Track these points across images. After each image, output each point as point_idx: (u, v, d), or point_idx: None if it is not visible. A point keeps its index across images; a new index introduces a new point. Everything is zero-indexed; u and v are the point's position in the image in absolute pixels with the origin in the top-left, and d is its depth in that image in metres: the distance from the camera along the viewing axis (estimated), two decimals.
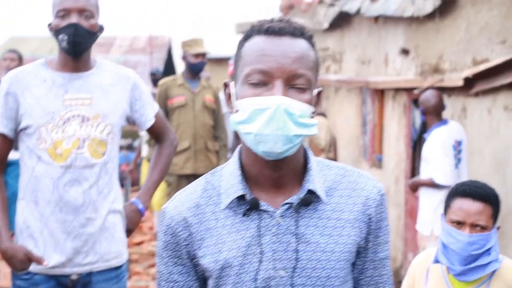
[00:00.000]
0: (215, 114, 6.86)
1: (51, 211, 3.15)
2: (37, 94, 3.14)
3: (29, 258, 3.11)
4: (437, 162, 5.70)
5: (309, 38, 1.72)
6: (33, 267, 3.15)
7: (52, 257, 3.16)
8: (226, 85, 1.77)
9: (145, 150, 8.37)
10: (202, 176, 1.82)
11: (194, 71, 6.79)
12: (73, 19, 3.11)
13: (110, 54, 22.74)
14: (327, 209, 1.73)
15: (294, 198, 1.70)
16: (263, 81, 1.64)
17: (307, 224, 1.71)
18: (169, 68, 22.96)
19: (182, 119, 6.69)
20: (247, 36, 1.72)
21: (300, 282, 1.69)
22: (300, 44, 1.68)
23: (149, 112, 3.42)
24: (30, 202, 3.16)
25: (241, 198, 1.72)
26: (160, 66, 21.24)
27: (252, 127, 1.62)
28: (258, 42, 1.67)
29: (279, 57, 1.64)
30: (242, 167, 1.75)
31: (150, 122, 3.43)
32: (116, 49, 23.32)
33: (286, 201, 1.70)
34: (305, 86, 1.66)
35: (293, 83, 1.64)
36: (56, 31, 3.15)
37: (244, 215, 1.70)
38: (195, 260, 1.74)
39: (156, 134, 3.52)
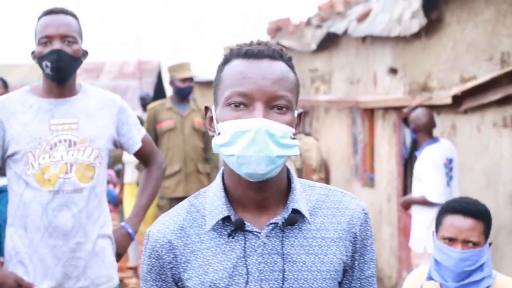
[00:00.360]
0: (206, 136, 6.88)
1: (41, 237, 3.14)
2: (23, 120, 3.14)
3: (20, 285, 3.10)
4: (429, 180, 5.71)
5: (288, 60, 1.74)
6: None
7: (42, 283, 3.15)
8: (207, 109, 1.78)
9: (128, 175, 8.28)
10: (185, 199, 1.82)
11: (182, 95, 6.81)
12: (56, 45, 3.11)
13: (100, 80, 22.76)
14: (312, 229, 1.74)
15: (279, 218, 1.71)
16: (243, 104, 1.65)
17: (292, 244, 1.71)
18: (159, 93, 22.98)
19: (171, 143, 6.70)
20: (226, 60, 1.73)
21: None
22: (279, 66, 1.70)
23: (136, 136, 3.42)
24: (19, 228, 3.15)
25: (225, 219, 1.72)
26: (150, 90, 21.25)
27: (233, 149, 1.63)
28: (237, 65, 1.68)
29: (259, 79, 1.65)
30: (226, 189, 1.75)
31: (137, 145, 3.44)
32: (106, 74, 23.34)
33: (271, 221, 1.71)
34: (285, 108, 1.67)
35: (273, 104, 1.66)
36: (39, 58, 3.15)
37: (229, 236, 1.70)
38: (180, 283, 1.73)
39: (144, 158, 3.53)
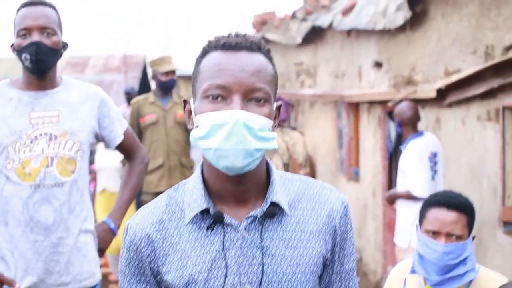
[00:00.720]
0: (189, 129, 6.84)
1: (22, 232, 3.10)
2: (2, 113, 3.10)
3: (1, 281, 3.06)
4: (414, 174, 5.71)
5: (266, 53, 1.72)
6: None
7: (24, 278, 3.12)
8: (185, 102, 1.76)
9: (101, 183, 8.03)
10: (164, 192, 1.80)
11: (165, 89, 6.80)
12: (35, 37, 3.08)
13: (85, 74, 22.66)
14: (291, 222, 1.72)
15: (258, 211, 1.69)
16: (221, 96, 1.63)
17: (271, 237, 1.70)
18: (144, 87, 22.91)
19: (154, 137, 6.69)
20: (204, 52, 1.71)
21: None
22: (257, 58, 1.68)
23: (117, 129, 3.39)
24: (1, 224, 3.12)
25: (204, 212, 1.70)
26: (135, 84, 21.20)
27: (211, 142, 1.61)
28: (215, 57, 1.67)
29: (237, 71, 1.63)
30: (205, 182, 1.74)
31: (119, 138, 3.40)
32: (91, 68, 23.25)
33: (250, 214, 1.69)
34: (263, 100, 1.65)
35: (251, 96, 1.64)
36: (19, 51, 3.11)
37: (208, 229, 1.69)
38: (159, 277, 1.72)
39: (126, 151, 3.50)
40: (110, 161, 7.28)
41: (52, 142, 3.15)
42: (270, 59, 1.73)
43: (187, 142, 6.82)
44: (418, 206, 5.60)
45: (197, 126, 1.67)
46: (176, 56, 7.16)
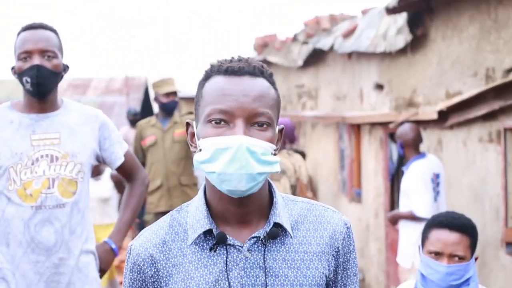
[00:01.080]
0: (187, 147, 6.88)
1: (23, 253, 3.12)
2: (3, 136, 3.12)
3: None
4: (417, 195, 5.72)
5: (269, 77, 1.74)
6: None
7: None
8: (188, 124, 1.78)
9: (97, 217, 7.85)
10: (168, 213, 1.82)
11: (166, 110, 6.83)
12: (35, 60, 3.10)
13: (86, 96, 22.72)
14: (294, 243, 1.75)
15: (261, 232, 1.71)
16: (224, 120, 1.66)
17: (274, 258, 1.72)
18: (146, 109, 22.96)
19: (154, 158, 6.74)
20: (207, 76, 1.73)
21: None
22: (260, 83, 1.70)
23: (118, 151, 3.41)
24: (1, 245, 3.13)
25: (207, 233, 1.73)
26: (137, 106, 21.24)
27: (214, 166, 1.64)
28: (218, 81, 1.69)
29: (239, 96, 1.65)
30: (208, 203, 1.76)
31: (120, 160, 3.42)
32: (92, 90, 23.31)
33: (253, 235, 1.72)
34: (266, 124, 1.67)
35: (254, 121, 1.66)
36: (19, 74, 3.14)
37: (211, 250, 1.71)
38: None
39: (127, 173, 3.53)
40: (93, 193, 7.15)
41: (54, 164, 3.18)
42: (273, 83, 1.75)
43: (188, 160, 6.83)
44: (421, 227, 5.61)
45: (200, 150, 1.69)
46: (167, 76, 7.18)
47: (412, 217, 5.72)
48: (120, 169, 3.47)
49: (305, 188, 6.27)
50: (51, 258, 3.16)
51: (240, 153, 1.61)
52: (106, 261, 3.42)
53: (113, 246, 3.44)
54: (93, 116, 3.33)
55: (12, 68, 3.20)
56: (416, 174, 5.73)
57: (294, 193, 6.15)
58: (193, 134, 1.76)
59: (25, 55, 3.13)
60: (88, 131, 3.29)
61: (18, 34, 3.20)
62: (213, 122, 1.66)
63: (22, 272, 3.12)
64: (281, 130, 1.77)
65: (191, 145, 1.76)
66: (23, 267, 3.12)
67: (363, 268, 9.23)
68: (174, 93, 6.82)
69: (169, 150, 6.74)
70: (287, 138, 6.19)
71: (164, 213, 6.59)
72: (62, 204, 3.18)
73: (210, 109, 1.66)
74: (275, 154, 1.72)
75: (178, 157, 6.76)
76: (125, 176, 3.54)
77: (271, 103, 1.70)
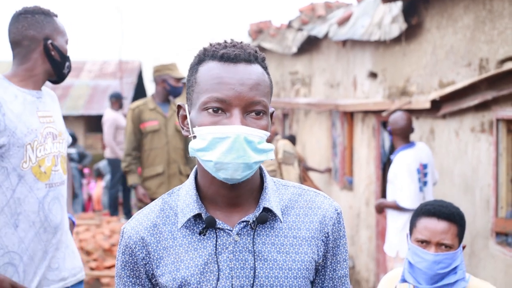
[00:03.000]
0: (186, 137, 6.83)
1: (35, 233, 3.10)
2: (15, 110, 3.07)
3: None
4: (401, 185, 5.71)
5: (262, 61, 1.75)
6: None
7: (32, 281, 3.14)
8: (179, 107, 1.79)
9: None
10: (159, 197, 1.84)
11: (174, 94, 6.76)
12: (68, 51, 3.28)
13: (80, 79, 22.69)
14: (283, 227, 1.76)
15: (250, 216, 1.73)
16: (221, 109, 1.66)
17: (264, 242, 1.74)
18: (140, 93, 22.94)
19: (155, 144, 6.67)
20: (200, 60, 1.73)
21: None
22: (256, 70, 1.70)
23: (65, 130, 3.50)
24: (7, 227, 3.06)
25: (197, 217, 1.75)
26: (130, 90, 21.22)
27: (211, 155, 1.65)
28: (213, 68, 1.68)
29: (236, 85, 1.65)
30: (198, 187, 1.78)
31: (69, 139, 3.52)
32: (86, 74, 23.29)
33: (242, 219, 1.72)
34: (262, 112, 1.69)
35: (250, 109, 1.67)
36: (65, 57, 3.23)
37: (200, 233, 1.73)
38: (153, 280, 1.76)
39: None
40: None
41: (55, 141, 3.20)
42: (266, 67, 1.76)
43: (186, 150, 6.80)
44: (405, 217, 5.66)
45: (195, 137, 1.70)
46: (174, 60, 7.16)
47: (396, 207, 5.72)
48: None
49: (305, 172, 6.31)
50: (56, 236, 3.19)
51: (237, 143, 1.63)
52: (72, 233, 3.47)
53: (73, 219, 3.51)
54: (54, 96, 3.40)
55: (51, 42, 3.16)
56: (402, 164, 5.72)
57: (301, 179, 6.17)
58: (184, 117, 1.77)
59: (68, 41, 3.27)
60: (58, 111, 3.37)
61: (49, 16, 3.21)
62: (209, 110, 1.66)
63: (31, 254, 3.10)
64: (271, 114, 1.78)
65: (183, 128, 1.77)
66: (33, 248, 3.10)
67: (353, 255, 9.27)
68: (182, 79, 6.78)
69: (172, 138, 6.70)
70: None
71: None
72: (64, 181, 3.23)
73: (207, 97, 1.66)
74: (269, 139, 1.73)
75: (178, 146, 6.73)
76: None
77: (266, 90, 1.71)
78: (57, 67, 3.20)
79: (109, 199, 12.10)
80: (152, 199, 6.66)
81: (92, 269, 7.76)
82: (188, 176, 6.78)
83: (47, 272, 3.18)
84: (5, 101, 3.03)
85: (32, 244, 3.09)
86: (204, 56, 1.72)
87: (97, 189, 14.42)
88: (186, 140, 6.80)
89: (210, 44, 1.74)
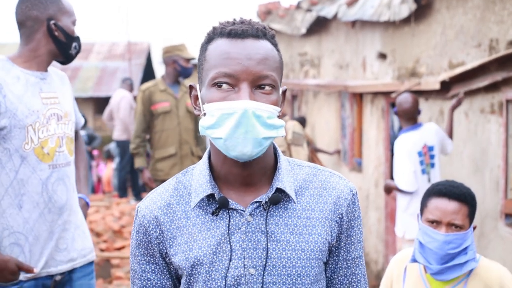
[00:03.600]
0: (197, 118, 6.84)
1: (39, 214, 3.11)
2: (16, 92, 3.07)
3: (20, 268, 3.06)
4: (399, 168, 5.70)
5: (272, 38, 1.74)
6: (22, 276, 3.13)
7: (39, 261, 3.15)
8: (191, 87, 1.78)
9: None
10: (174, 176, 1.84)
11: (184, 75, 6.75)
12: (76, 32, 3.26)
13: (89, 60, 22.68)
14: (297, 208, 1.76)
15: (263, 197, 1.72)
16: (229, 84, 1.66)
17: (277, 223, 1.73)
18: (148, 74, 22.92)
19: (166, 125, 6.68)
20: (210, 39, 1.73)
21: (270, 280, 1.71)
22: (264, 45, 1.69)
23: (78, 110, 3.52)
24: (11, 208, 3.08)
25: (211, 197, 1.75)
26: (139, 72, 21.22)
27: (220, 132, 1.64)
28: (221, 44, 1.68)
29: (244, 59, 1.65)
30: (211, 167, 1.78)
31: (82, 120, 3.57)
32: (95, 55, 23.27)
33: (255, 200, 1.72)
34: (271, 87, 1.68)
35: (259, 84, 1.66)
36: (72, 37, 3.21)
37: (213, 214, 1.73)
38: (167, 259, 1.77)
39: (76, 133, 3.61)
40: None
41: (60, 122, 3.20)
42: (276, 44, 1.75)
43: (197, 131, 6.80)
44: (406, 198, 5.66)
45: (205, 114, 1.69)
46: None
47: (398, 189, 5.73)
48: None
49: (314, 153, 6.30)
50: (62, 217, 3.19)
51: (245, 118, 1.62)
52: (85, 215, 3.50)
53: (87, 200, 3.53)
54: (64, 77, 3.40)
55: (54, 23, 3.15)
56: (402, 146, 5.70)
57: (312, 158, 6.18)
58: (196, 97, 1.76)
59: (75, 22, 3.24)
60: (68, 92, 3.36)
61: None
62: (217, 86, 1.66)
63: (36, 234, 3.11)
64: (284, 92, 1.77)
65: (195, 108, 1.76)
66: (38, 229, 3.11)
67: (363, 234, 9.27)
68: (192, 59, 6.78)
69: (183, 118, 6.69)
70: None
71: None
72: (69, 162, 3.23)
73: (215, 73, 1.66)
74: (279, 117, 1.72)
75: (189, 127, 6.74)
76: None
77: (275, 65, 1.70)
78: (62, 48, 3.19)
79: (118, 181, 12.14)
80: (163, 181, 6.65)
81: (102, 250, 7.80)
82: (199, 157, 6.79)
83: (55, 252, 3.19)
84: (6, 83, 3.04)
85: (37, 224, 3.11)
86: (213, 35, 1.72)
87: (107, 170, 14.46)
88: (196, 121, 6.79)
89: (220, 23, 1.75)
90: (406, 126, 5.79)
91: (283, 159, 1.80)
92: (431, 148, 5.72)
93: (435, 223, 2.90)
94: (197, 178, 1.77)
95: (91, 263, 3.41)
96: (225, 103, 1.64)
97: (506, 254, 5.31)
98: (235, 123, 1.62)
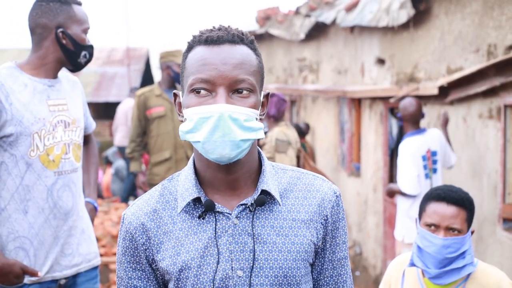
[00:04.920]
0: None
1: (45, 219, 3.14)
2: (22, 100, 3.09)
3: (25, 272, 3.09)
4: (403, 171, 5.72)
5: (250, 43, 1.76)
6: (26, 279, 3.15)
7: (44, 265, 3.17)
8: (175, 95, 1.82)
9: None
10: (159, 183, 1.87)
11: (178, 80, 6.77)
12: (89, 39, 3.25)
13: (88, 66, 22.69)
14: (282, 210, 1.78)
15: (249, 200, 1.75)
16: (206, 89, 1.69)
17: (263, 225, 1.75)
18: (147, 80, 22.94)
19: (162, 130, 6.71)
20: (189, 47, 1.76)
21: (258, 281, 1.72)
22: (240, 50, 1.72)
23: (90, 115, 3.56)
24: (17, 213, 3.11)
25: (197, 201, 1.77)
26: (137, 77, 21.23)
27: (198, 135, 1.67)
28: (199, 52, 1.72)
29: (219, 65, 1.68)
30: (197, 172, 1.80)
31: (94, 124, 3.60)
32: (94, 60, 23.26)
33: (241, 202, 1.74)
34: (248, 90, 1.70)
35: (235, 88, 1.69)
36: (81, 46, 3.21)
37: (199, 217, 1.75)
38: (154, 265, 1.78)
39: (89, 136, 3.66)
40: None
41: (67, 129, 3.23)
42: (254, 49, 1.77)
43: None
44: (408, 202, 5.67)
45: (185, 119, 1.72)
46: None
47: (400, 192, 5.74)
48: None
49: (309, 157, 6.32)
50: (67, 222, 3.22)
51: (222, 121, 1.64)
52: (93, 219, 3.53)
53: (96, 205, 3.56)
54: (76, 82, 3.42)
55: (62, 30, 3.16)
56: (407, 150, 5.72)
57: (298, 164, 6.20)
58: (180, 104, 1.79)
59: (87, 31, 3.24)
60: (78, 97, 3.38)
61: (73, 4, 3.21)
62: (196, 92, 1.69)
63: (41, 239, 3.14)
64: (266, 96, 1.80)
65: (179, 115, 1.79)
66: (43, 234, 3.14)
67: (360, 242, 9.29)
68: None
69: (179, 123, 6.72)
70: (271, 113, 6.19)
71: None
72: (76, 169, 3.26)
73: (192, 79, 1.70)
74: (260, 120, 1.75)
75: None
76: (85, 138, 3.64)
77: (252, 69, 1.72)
78: (70, 56, 3.20)
79: (126, 185, 12.11)
80: None
81: (100, 255, 7.80)
82: None
83: (60, 257, 3.22)
84: (13, 91, 3.07)
85: (41, 229, 3.14)
86: (192, 43, 1.76)
87: (106, 176, 14.45)
88: None
89: (199, 31, 1.78)
90: (411, 130, 5.81)
91: (267, 163, 1.82)
92: (434, 153, 5.74)
93: (433, 227, 2.91)
94: (183, 183, 1.79)
95: (96, 267, 3.43)
96: (202, 107, 1.67)
97: (504, 259, 5.32)
98: (212, 127, 1.65)
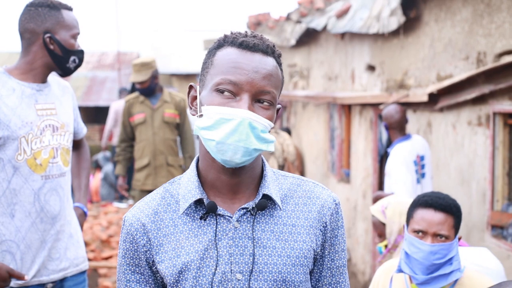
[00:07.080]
0: (180, 127, 6.89)
1: (31, 223, 3.15)
2: (10, 104, 3.10)
3: (11, 275, 3.09)
4: (398, 177, 5.73)
5: (278, 57, 1.79)
6: (13, 283, 3.15)
7: (31, 269, 3.17)
8: (191, 87, 1.83)
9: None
10: (161, 186, 1.88)
11: (145, 94, 6.81)
12: (79, 45, 3.26)
13: (78, 70, 22.67)
14: (283, 215, 1.80)
15: (250, 204, 1.77)
16: (232, 92, 1.70)
17: (263, 229, 1.77)
18: None
19: (142, 136, 6.76)
20: (219, 45, 1.77)
21: (256, 285, 1.73)
22: (270, 62, 1.75)
23: (81, 120, 3.58)
24: (4, 216, 3.12)
25: (198, 203, 1.78)
26: (128, 82, 21.22)
27: (215, 134, 1.68)
28: (231, 53, 1.73)
29: (251, 72, 1.70)
30: (200, 174, 1.81)
31: (85, 129, 3.60)
32: (84, 64, 23.25)
33: (242, 206, 1.76)
34: (269, 103, 1.73)
35: (259, 98, 1.71)
36: (70, 51, 3.21)
37: (201, 218, 1.76)
38: (154, 267, 1.79)
39: (80, 141, 3.67)
40: None
41: (55, 134, 3.24)
42: (280, 64, 1.80)
43: (175, 141, 6.86)
44: None
45: (201, 115, 1.73)
46: (168, 54, 7.18)
47: None
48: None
49: (293, 167, 6.32)
50: (55, 226, 3.23)
51: (242, 126, 1.66)
52: (82, 224, 3.54)
53: (85, 209, 3.56)
54: (66, 87, 3.44)
55: (49, 36, 3.16)
56: (399, 156, 5.74)
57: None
58: (194, 98, 1.80)
59: (77, 36, 3.25)
60: (68, 102, 3.39)
61: (63, 10, 3.20)
62: (220, 92, 1.70)
63: (28, 243, 3.15)
64: (278, 109, 1.82)
65: (191, 108, 1.81)
66: (30, 237, 3.15)
67: (349, 248, 9.29)
68: (142, 83, 6.72)
69: (158, 129, 6.75)
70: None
71: (149, 192, 6.64)
72: (64, 173, 3.27)
73: (220, 79, 1.71)
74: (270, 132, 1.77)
75: (166, 137, 6.78)
76: (77, 143, 3.66)
77: (277, 83, 1.75)
78: (58, 61, 3.21)
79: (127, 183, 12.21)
80: (142, 191, 6.76)
81: (89, 260, 7.78)
82: (179, 167, 6.85)
83: (47, 261, 3.21)
84: (0, 96, 3.08)
85: (28, 233, 3.13)
86: (223, 42, 1.77)
87: (95, 180, 14.42)
88: (179, 130, 6.84)
89: (231, 32, 1.79)
90: (399, 137, 5.84)
91: (268, 169, 1.84)
92: (422, 158, 5.77)
93: (421, 233, 2.92)
94: (185, 185, 1.80)
95: (83, 272, 3.43)
96: (226, 108, 1.68)
97: None
98: (231, 129, 1.67)
